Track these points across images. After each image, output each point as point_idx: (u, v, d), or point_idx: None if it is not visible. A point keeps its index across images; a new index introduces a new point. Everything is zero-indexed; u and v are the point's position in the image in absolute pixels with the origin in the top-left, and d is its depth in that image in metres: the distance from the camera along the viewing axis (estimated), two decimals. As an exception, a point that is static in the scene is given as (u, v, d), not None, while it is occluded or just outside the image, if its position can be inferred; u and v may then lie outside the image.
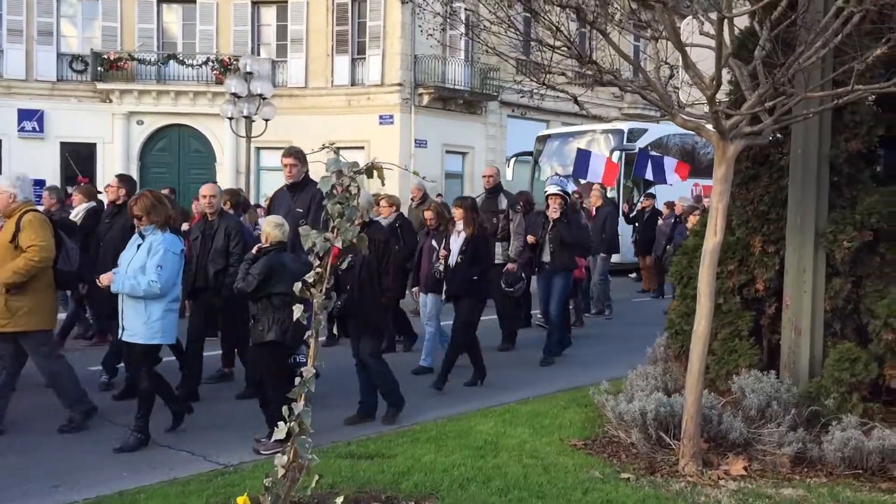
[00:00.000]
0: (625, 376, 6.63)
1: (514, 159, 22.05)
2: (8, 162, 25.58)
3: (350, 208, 3.34)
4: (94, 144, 26.47)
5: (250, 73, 18.35)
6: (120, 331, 6.00)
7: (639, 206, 17.40)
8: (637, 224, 17.08)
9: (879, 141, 6.16)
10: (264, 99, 18.73)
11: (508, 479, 4.93)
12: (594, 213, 13.76)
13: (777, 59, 4.59)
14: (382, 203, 10.10)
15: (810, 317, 6.09)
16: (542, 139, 21.63)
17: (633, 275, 18.25)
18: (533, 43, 5.45)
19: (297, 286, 3.32)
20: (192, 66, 26.07)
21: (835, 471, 5.18)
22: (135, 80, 26.06)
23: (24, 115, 25.64)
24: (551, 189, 9.61)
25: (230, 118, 19.32)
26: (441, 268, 8.12)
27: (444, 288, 8.20)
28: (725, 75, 4.84)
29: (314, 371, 3.25)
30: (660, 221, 15.82)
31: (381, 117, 25.52)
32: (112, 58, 25.78)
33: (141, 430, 5.91)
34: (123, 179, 8.38)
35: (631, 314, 13.59)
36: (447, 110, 26.43)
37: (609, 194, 15.78)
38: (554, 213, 9.38)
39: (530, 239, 9.49)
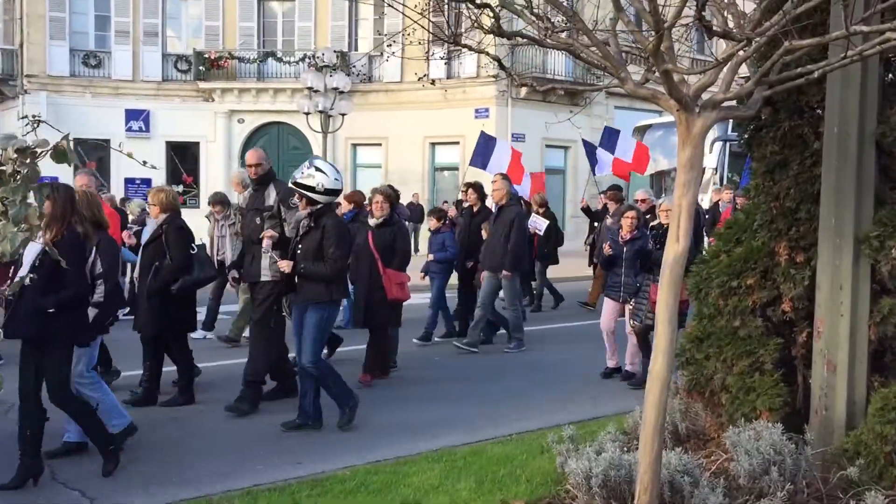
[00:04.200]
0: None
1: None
2: (116, 162, 26.28)
3: (19, 206, 2.31)
4: (198, 143, 26.80)
5: (326, 66, 17.70)
6: None
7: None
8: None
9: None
10: (341, 93, 18.05)
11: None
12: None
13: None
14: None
15: (848, 349, 4.57)
16: (642, 129, 19.91)
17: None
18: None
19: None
20: (289, 63, 25.91)
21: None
22: (235, 78, 26.20)
23: (131, 114, 26.28)
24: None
25: (307, 113, 18.77)
26: None
27: None
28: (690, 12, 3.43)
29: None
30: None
31: (476, 111, 24.47)
32: (213, 57, 26.00)
33: None
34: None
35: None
36: (547, 102, 25.00)
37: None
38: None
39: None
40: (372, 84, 25.75)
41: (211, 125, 26.55)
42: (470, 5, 3.76)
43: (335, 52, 23.74)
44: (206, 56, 26.03)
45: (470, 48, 4.01)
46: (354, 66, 25.04)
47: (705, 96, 3.77)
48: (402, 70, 25.67)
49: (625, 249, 8.03)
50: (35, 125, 2.49)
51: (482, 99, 24.29)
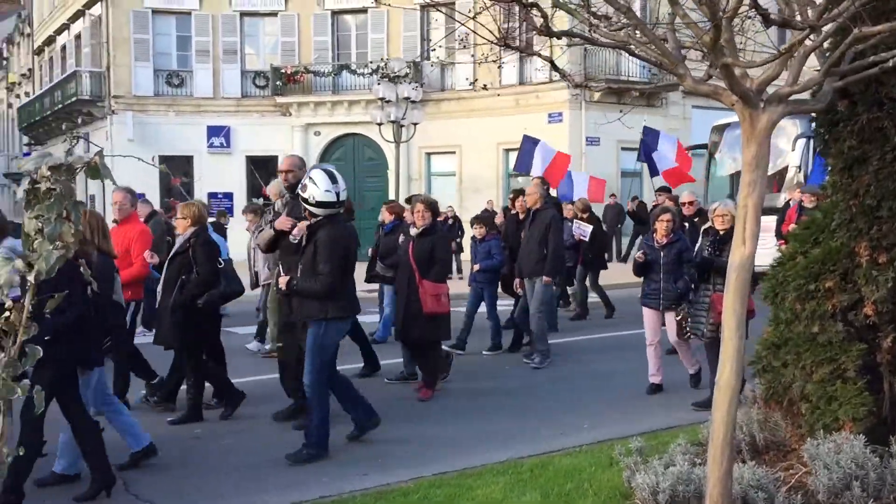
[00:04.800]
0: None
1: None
2: (199, 177, 27.04)
3: (54, 223, 2.31)
4: (276, 157, 27.26)
5: (398, 77, 17.81)
6: None
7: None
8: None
9: None
10: (413, 103, 18.10)
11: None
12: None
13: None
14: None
15: (938, 356, 4.26)
16: (720, 129, 19.22)
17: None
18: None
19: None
20: (363, 74, 26.17)
21: None
22: (311, 92, 26.61)
23: (213, 131, 26.95)
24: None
25: (379, 124, 18.89)
26: None
27: None
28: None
29: None
30: None
31: (549, 115, 24.21)
32: (289, 72, 26.47)
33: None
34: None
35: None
36: (622, 104, 24.54)
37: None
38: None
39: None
40: (444, 92, 25.79)
41: (288, 139, 27.01)
42: (518, 6, 3.63)
43: (407, 62, 23.89)
44: (283, 71, 26.53)
45: (521, 50, 3.90)
46: (426, 77, 25.16)
47: (771, 90, 3.57)
48: (474, 78, 25.62)
49: (661, 254, 7.59)
50: (74, 142, 2.49)
51: (555, 103, 24.02)
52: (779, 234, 12.50)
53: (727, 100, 3.52)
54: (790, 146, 16.76)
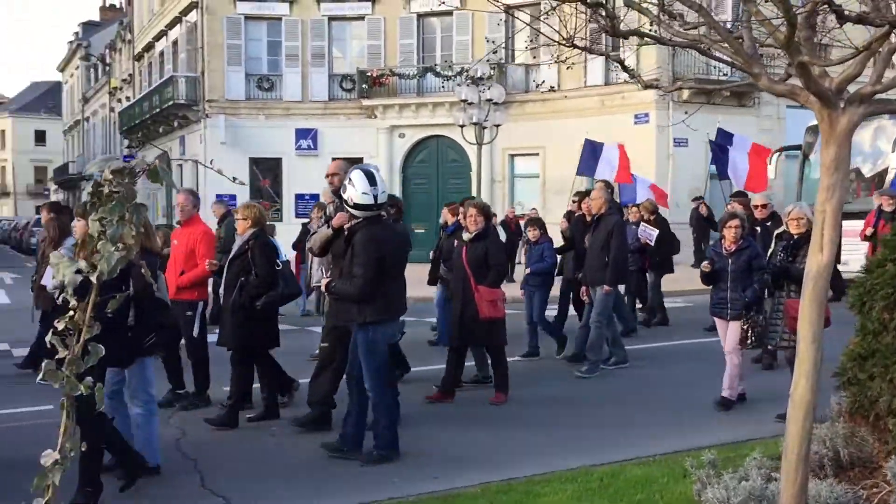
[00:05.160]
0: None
1: (778, 154, 19.05)
2: (287, 178, 27.68)
3: (116, 225, 2.38)
4: (361, 158, 27.66)
5: (480, 79, 17.81)
6: None
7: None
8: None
9: None
10: (496, 104, 18.07)
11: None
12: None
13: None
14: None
15: None
16: (814, 129, 18.53)
17: None
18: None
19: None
20: (447, 77, 26.27)
21: None
22: (396, 94, 26.88)
23: (301, 133, 27.55)
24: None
25: (461, 125, 18.93)
26: None
27: None
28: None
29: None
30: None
31: (636, 116, 23.77)
32: (375, 75, 26.81)
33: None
34: None
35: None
36: (711, 104, 23.88)
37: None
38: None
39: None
40: (528, 94, 25.64)
41: (374, 141, 27.36)
42: (583, 5, 3.56)
43: (491, 64, 23.85)
44: (369, 74, 26.88)
45: (587, 50, 3.81)
46: (510, 78, 25.08)
47: (852, 89, 3.40)
48: (558, 78, 25.42)
49: (730, 262, 7.25)
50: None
51: (642, 104, 23.55)
52: (867, 238, 11.97)
53: (804, 100, 3.37)
54: (890, 147, 16.03)
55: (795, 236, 6.75)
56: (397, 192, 27.42)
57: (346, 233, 6.06)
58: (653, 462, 5.60)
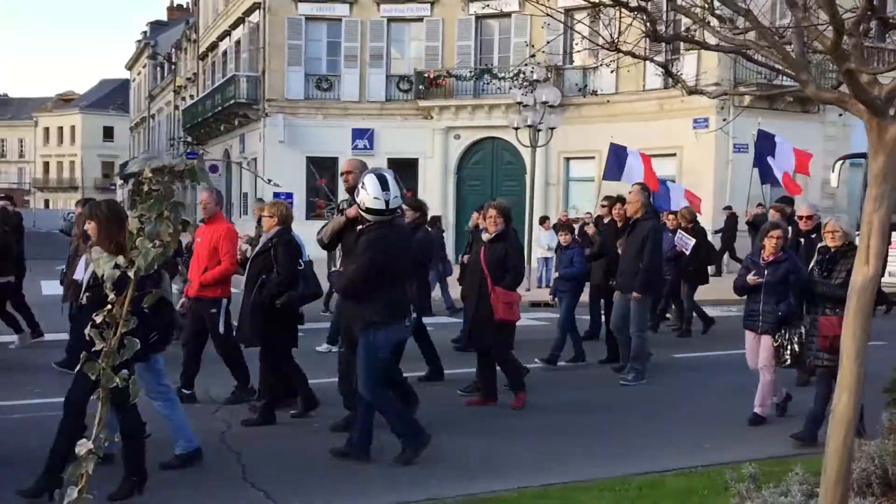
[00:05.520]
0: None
1: (841, 162, 18.48)
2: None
3: (154, 222, 2.45)
4: (416, 159, 27.83)
5: (536, 81, 17.75)
6: None
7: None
8: None
9: None
10: (552, 107, 17.99)
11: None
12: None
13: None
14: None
15: None
16: (881, 138, 17.99)
17: None
18: None
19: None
20: (504, 79, 26.23)
21: None
22: (453, 96, 26.94)
23: (357, 133, 27.80)
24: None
25: (516, 128, 18.89)
26: None
27: None
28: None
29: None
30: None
31: (695, 121, 23.40)
32: (432, 76, 26.92)
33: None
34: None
35: None
36: (774, 110, 23.41)
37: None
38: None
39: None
40: (585, 97, 25.45)
41: (429, 142, 27.47)
42: (624, 9, 3.53)
43: (547, 66, 23.74)
44: (426, 75, 27.00)
45: (631, 55, 3.78)
46: (568, 81, 24.91)
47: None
48: (616, 82, 25.17)
49: (766, 273, 6.98)
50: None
51: (701, 108, 23.18)
52: None
53: (853, 108, 3.29)
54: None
55: (832, 249, 6.51)
56: (451, 193, 27.54)
57: (358, 228, 6.01)
58: (694, 473, 5.52)
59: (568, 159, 26.30)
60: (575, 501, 4.91)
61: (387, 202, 5.73)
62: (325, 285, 7.95)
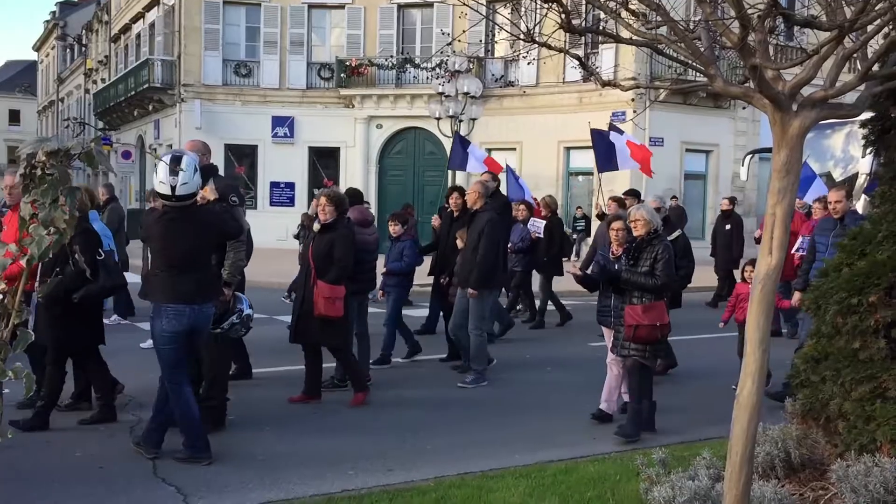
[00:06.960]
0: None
1: (750, 157, 19.10)
2: (262, 166, 27.48)
3: (48, 208, 2.33)
4: (338, 148, 27.56)
5: (458, 72, 17.76)
6: None
7: None
8: None
9: None
10: (473, 98, 18.03)
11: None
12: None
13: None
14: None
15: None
16: (788, 133, 18.66)
17: None
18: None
19: None
20: (425, 69, 26.17)
21: None
22: (375, 85, 26.75)
23: (277, 121, 27.34)
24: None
25: (437, 118, 18.87)
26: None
27: None
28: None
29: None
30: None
31: (613, 115, 23.79)
32: (353, 64, 26.66)
33: None
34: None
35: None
36: (688, 105, 24.08)
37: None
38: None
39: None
40: (507, 89, 25.63)
41: (351, 131, 27.21)
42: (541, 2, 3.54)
43: (469, 57, 23.78)
44: (347, 64, 26.73)
45: (547, 46, 3.80)
46: (490, 72, 25.00)
47: (807, 93, 3.41)
48: (537, 74, 25.43)
49: (616, 266, 6.65)
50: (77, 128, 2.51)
51: (619, 102, 23.62)
52: None
53: (758, 102, 3.38)
54: (860, 152, 16.16)
55: (636, 239, 6.41)
56: (373, 183, 27.34)
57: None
58: (608, 459, 5.63)
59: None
60: (490, 489, 4.93)
61: (173, 188, 5.34)
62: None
